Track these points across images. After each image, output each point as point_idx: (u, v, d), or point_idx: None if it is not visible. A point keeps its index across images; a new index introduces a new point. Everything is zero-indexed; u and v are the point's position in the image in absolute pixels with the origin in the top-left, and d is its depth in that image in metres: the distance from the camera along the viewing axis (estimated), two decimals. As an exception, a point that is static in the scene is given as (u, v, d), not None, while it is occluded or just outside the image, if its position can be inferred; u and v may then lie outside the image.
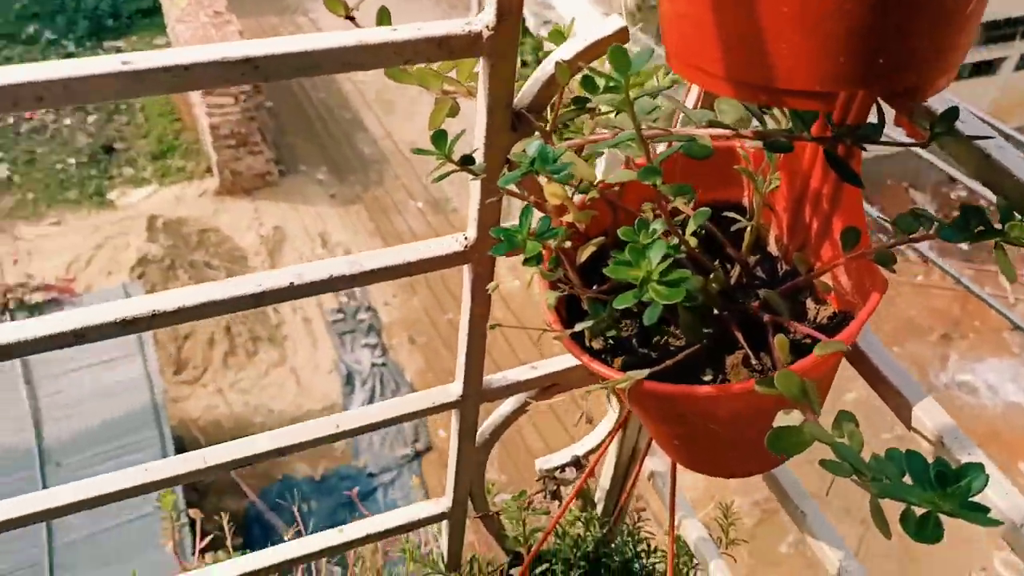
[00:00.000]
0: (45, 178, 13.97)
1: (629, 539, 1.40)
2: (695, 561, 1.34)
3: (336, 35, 0.74)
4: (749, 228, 0.88)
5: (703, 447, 0.94)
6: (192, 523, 1.91)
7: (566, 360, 1.17)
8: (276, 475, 11.00)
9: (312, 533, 1.26)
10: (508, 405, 1.20)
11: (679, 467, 1.18)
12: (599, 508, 1.42)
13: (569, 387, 1.18)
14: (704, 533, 1.28)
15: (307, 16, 17.08)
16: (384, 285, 13.45)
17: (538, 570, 1.37)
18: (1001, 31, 14.29)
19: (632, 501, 1.40)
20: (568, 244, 0.83)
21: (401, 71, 0.90)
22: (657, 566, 1.40)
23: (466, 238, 0.95)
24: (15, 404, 9.51)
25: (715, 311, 0.87)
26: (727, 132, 0.75)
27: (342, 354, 13.41)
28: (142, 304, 0.84)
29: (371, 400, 12.40)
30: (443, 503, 1.27)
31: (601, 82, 0.73)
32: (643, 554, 1.40)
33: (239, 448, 1.07)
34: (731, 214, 0.89)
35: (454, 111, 0.95)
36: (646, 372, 0.80)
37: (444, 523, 1.30)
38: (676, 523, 1.28)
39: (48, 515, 1.04)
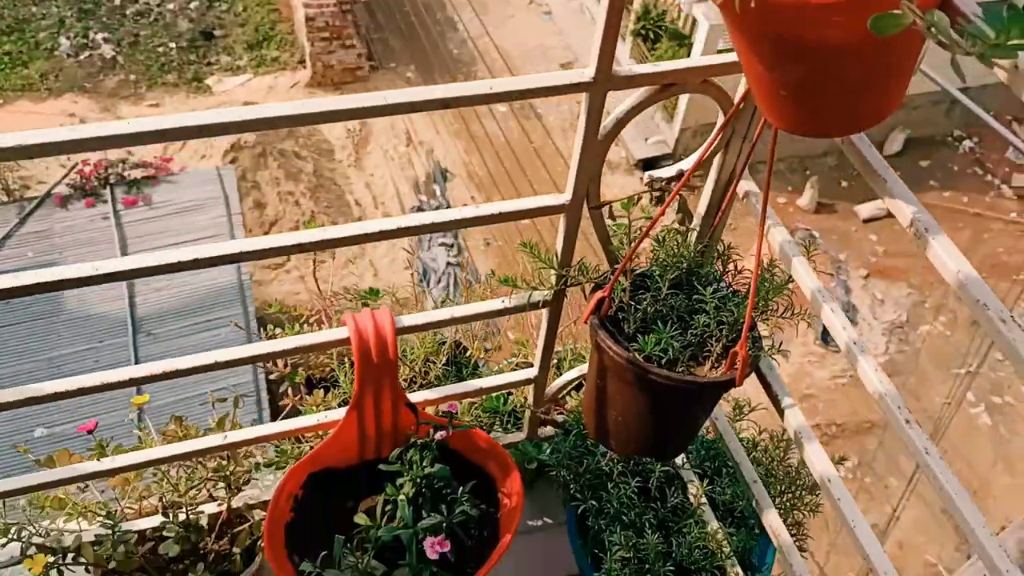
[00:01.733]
0: (147, 60, 14.44)
1: (720, 259, 1.59)
2: (777, 280, 1.53)
3: None
4: None
5: (807, 95, 1.11)
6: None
7: (683, 63, 1.35)
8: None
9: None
10: (630, 100, 1.39)
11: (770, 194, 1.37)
12: (696, 229, 1.62)
13: (684, 86, 1.37)
14: (788, 237, 1.46)
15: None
16: (466, 185, 13.67)
17: (638, 270, 1.58)
18: None
19: (726, 222, 1.59)
20: None
21: None
22: (741, 290, 1.59)
23: (620, -94, 1.12)
24: (112, 276, 10.08)
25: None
26: None
27: (419, 251, 13.78)
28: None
29: (444, 298, 12.76)
30: (563, 198, 1.48)
31: None
32: (731, 273, 1.60)
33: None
34: None
35: None
36: (769, -11, 0.98)
37: (561, 217, 1.51)
38: (765, 231, 1.46)
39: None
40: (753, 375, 1.63)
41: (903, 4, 0.88)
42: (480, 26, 15.33)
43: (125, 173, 11.88)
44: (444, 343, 2.02)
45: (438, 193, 14.05)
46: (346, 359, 2.00)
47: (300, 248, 1.32)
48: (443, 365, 1.93)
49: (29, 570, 1.59)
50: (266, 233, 13.35)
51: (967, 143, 16.30)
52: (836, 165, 15.53)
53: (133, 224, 11.40)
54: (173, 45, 14.61)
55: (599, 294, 1.52)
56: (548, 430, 2.01)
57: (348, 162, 14.52)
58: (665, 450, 1.65)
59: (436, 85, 1.29)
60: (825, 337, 12.70)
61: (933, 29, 0.86)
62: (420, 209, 13.78)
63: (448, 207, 13.88)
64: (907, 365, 13.06)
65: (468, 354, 1.98)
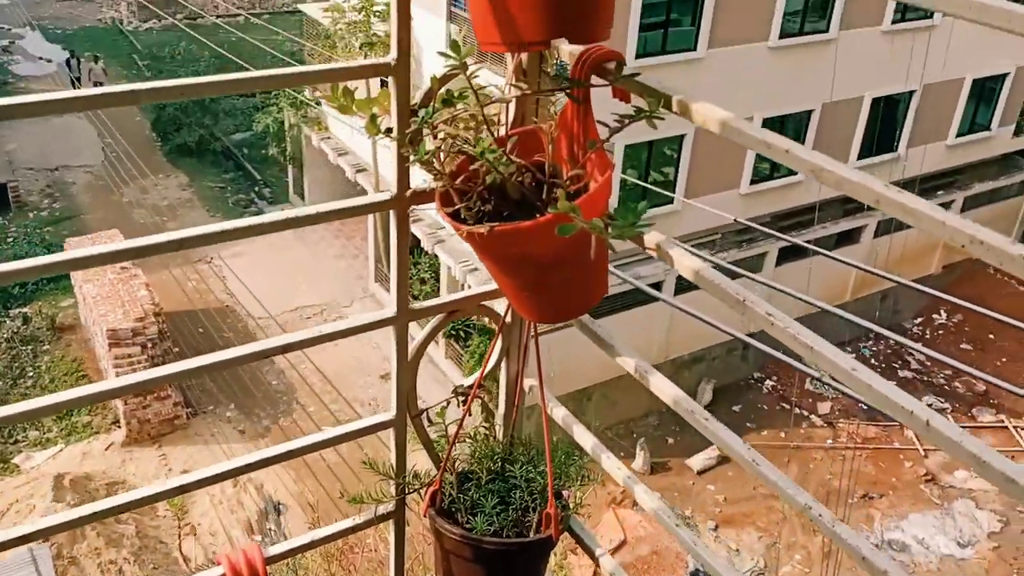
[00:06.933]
0: (-55, 446, 13.72)
1: (523, 448, 1.98)
2: (571, 453, 1.93)
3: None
4: (548, 162, 1.60)
5: (539, 293, 1.60)
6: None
7: (461, 294, 1.83)
8: None
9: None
10: (427, 327, 1.83)
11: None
12: (500, 425, 2.01)
13: (465, 311, 1.83)
14: (566, 411, 1.88)
15: (209, 264, 18.02)
16: (303, 514, 13.39)
17: (466, 486, 1.92)
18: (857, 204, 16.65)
19: (522, 414, 2.00)
20: (447, 170, 1.54)
21: (348, 104, 1.63)
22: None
23: (393, 192, 1.63)
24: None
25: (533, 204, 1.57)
26: (529, 90, 1.49)
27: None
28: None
29: None
30: (389, 414, 1.85)
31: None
32: (534, 459, 1.98)
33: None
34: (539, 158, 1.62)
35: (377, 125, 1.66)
36: (492, 224, 1.48)
37: (392, 432, 1.87)
38: (549, 411, 1.89)
39: None
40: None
41: (572, 217, 1.40)
42: (293, 356, 15.87)
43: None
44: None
45: (273, 529, 13.65)
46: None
47: None
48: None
49: None
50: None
51: (768, 382, 18.00)
52: (659, 424, 16.57)
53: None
54: (-27, 429, 14.03)
55: (431, 489, 1.85)
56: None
57: (170, 516, 13.93)
58: (513, 617, 1.91)
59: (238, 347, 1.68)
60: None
61: (592, 226, 1.38)
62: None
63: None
64: (780, 611, 13.31)
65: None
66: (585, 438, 1.84)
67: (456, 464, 1.92)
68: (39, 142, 22.55)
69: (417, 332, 1.84)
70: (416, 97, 1.57)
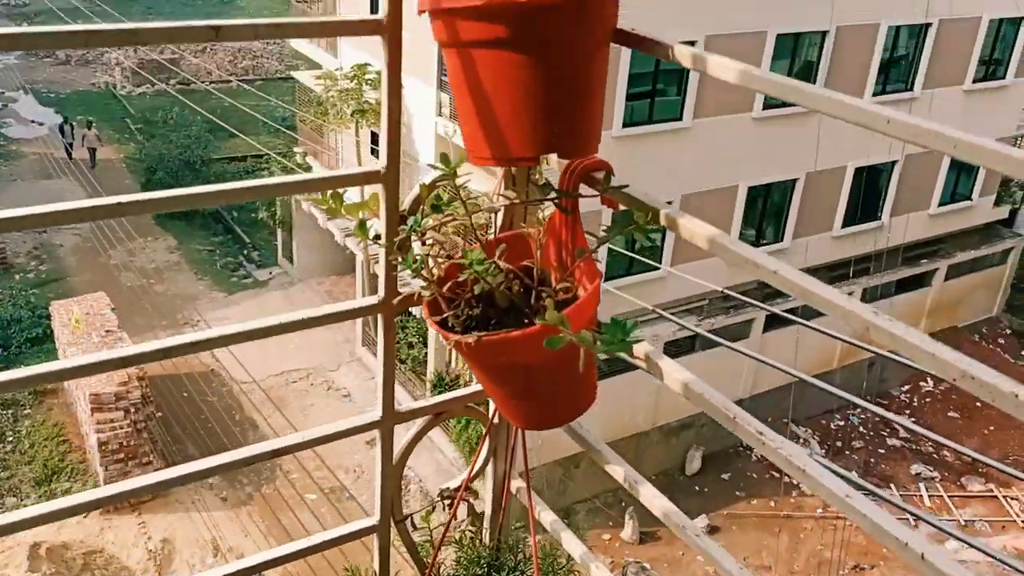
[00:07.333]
0: (-84, 516, 13.38)
1: (510, 553, 1.94)
2: (559, 555, 1.89)
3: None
4: (536, 267, 1.60)
5: (527, 400, 1.58)
6: None
7: (447, 395, 1.81)
8: None
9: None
10: (412, 430, 1.80)
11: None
12: (487, 528, 1.97)
13: (451, 413, 1.81)
14: (555, 516, 1.85)
15: (195, 327, 17.90)
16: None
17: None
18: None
19: (509, 517, 1.96)
20: (435, 276, 1.53)
21: (337, 207, 1.63)
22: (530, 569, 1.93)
23: (380, 297, 1.63)
24: None
25: (521, 311, 1.56)
26: (517, 200, 1.50)
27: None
28: None
29: None
30: (372, 519, 1.81)
31: (444, 195, 1.49)
32: (521, 563, 1.94)
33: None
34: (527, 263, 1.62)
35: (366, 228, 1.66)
36: (480, 334, 1.47)
37: (375, 537, 1.83)
38: (536, 515, 1.86)
39: None
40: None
41: (561, 329, 1.39)
42: (282, 419, 15.70)
43: None
44: None
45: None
46: None
47: None
48: None
49: None
50: None
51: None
52: (644, 494, 16.30)
53: None
54: (-52, 496, 13.73)
55: (416, 596, 1.80)
56: None
57: (151, 583, 13.58)
58: None
59: (222, 454, 1.65)
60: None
61: (579, 340, 1.37)
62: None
63: (268, 612, 13.09)
64: None
65: None
66: (574, 545, 1.80)
67: (441, 570, 1.88)
68: (27, 204, 22.52)
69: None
70: (405, 203, 1.58)
